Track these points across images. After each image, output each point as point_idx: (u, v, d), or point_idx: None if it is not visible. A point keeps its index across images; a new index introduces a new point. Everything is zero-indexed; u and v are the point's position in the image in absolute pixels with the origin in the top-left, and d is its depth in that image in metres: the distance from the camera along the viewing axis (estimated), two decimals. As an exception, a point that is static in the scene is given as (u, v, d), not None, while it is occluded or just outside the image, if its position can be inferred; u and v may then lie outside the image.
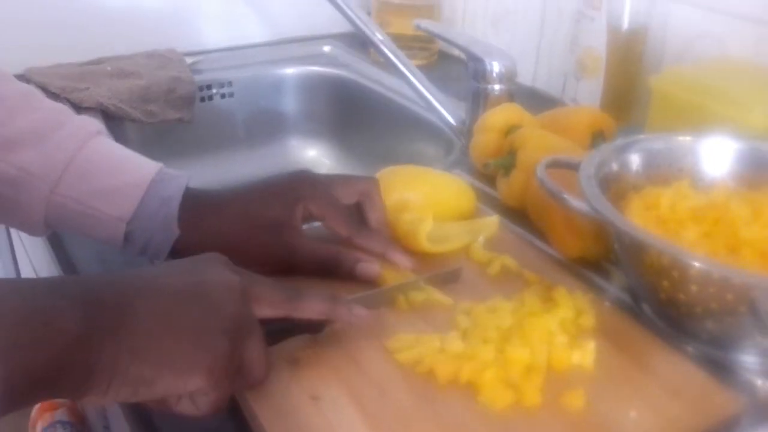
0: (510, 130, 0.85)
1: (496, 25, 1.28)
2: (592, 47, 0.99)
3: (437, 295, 0.63)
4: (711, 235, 0.61)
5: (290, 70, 1.33)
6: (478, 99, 0.97)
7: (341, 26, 1.41)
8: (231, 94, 1.28)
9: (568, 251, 0.72)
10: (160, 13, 1.29)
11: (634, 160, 0.70)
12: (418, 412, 0.52)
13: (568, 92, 1.06)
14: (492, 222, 0.74)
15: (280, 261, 0.65)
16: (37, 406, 0.92)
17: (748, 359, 0.59)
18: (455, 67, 1.31)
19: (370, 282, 0.65)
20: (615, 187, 0.67)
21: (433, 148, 1.11)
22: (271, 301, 0.53)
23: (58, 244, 0.76)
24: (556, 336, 0.58)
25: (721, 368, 0.58)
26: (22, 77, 1.11)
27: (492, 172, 0.86)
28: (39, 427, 0.79)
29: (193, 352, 0.47)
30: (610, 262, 0.72)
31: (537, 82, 1.21)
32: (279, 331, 0.56)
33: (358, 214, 0.70)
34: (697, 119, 0.79)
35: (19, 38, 1.17)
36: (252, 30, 1.39)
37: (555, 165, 0.68)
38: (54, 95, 1.05)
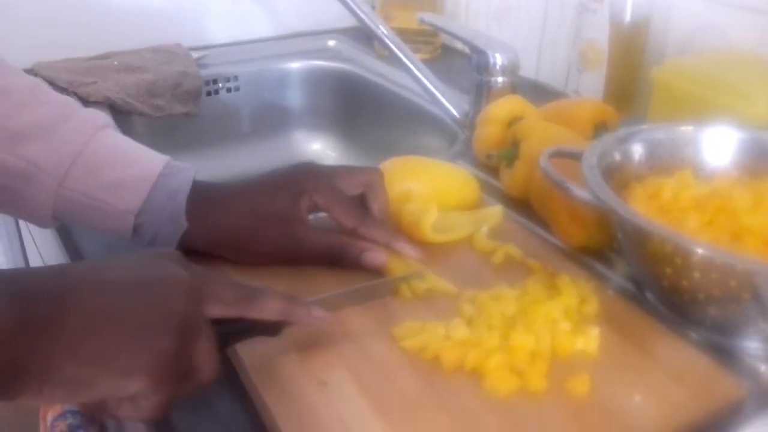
0: (513, 122, 0.85)
1: (499, 19, 1.28)
2: (594, 40, 0.99)
3: (442, 284, 0.64)
4: (713, 224, 0.61)
5: (295, 65, 1.33)
6: (481, 91, 0.97)
7: (346, 21, 1.42)
8: (237, 89, 1.28)
9: (571, 240, 0.72)
10: (166, 8, 1.30)
11: (637, 150, 0.70)
12: (424, 399, 0.53)
13: (571, 84, 1.06)
14: (496, 212, 0.74)
15: (286, 252, 0.66)
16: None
17: (751, 345, 0.60)
18: (458, 61, 1.32)
19: (376, 271, 0.66)
20: (617, 177, 0.67)
21: (436, 140, 1.11)
22: (224, 300, 0.50)
23: (66, 235, 0.76)
24: (560, 323, 0.58)
25: (724, 354, 0.59)
26: (30, 72, 1.12)
27: (495, 163, 0.86)
28: (49, 417, 0.80)
29: (134, 351, 0.44)
30: (612, 251, 0.72)
31: (540, 75, 1.21)
32: (235, 332, 0.53)
33: (361, 205, 0.70)
34: (699, 110, 0.79)
35: (26, 33, 1.18)
36: (257, 25, 1.40)
37: (558, 155, 0.69)
38: (62, 89, 1.06)
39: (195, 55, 1.26)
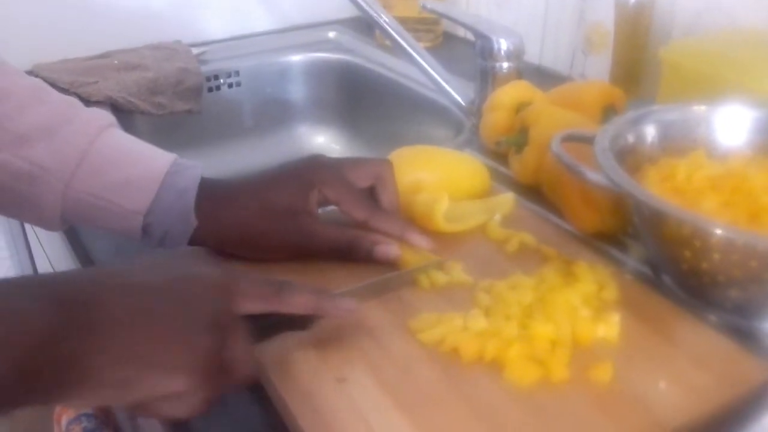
0: (520, 108, 0.85)
1: (500, 4, 1.27)
2: (599, 22, 0.98)
3: (458, 274, 0.63)
4: (730, 204, 0.60)
5: (296, 58, 1.33)
6: (486, 78, 0.96)
7: (346, 11, 1.41)
8: (238, 84, 1.28)
9: (585, 226, 0.71)
10: (165, 6, 1.29)
11: (650, 131, 0.69)
12: (444, 392, 0.52)
13: (577, 68, 1.05)
14: (508, 199, 0.73)
15: (297, 247, 0.65)
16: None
17: (772, 326, 0.59)
18: (460, 48, 1.31)
19: (388, 264, 0.65)
20: (630, 160, 0.66)
21: (442, 129, 1.10)
22: (253, 297, 0.51)
23: (74, 238, 0.76)
24: (580, 310, 0.57)
25: (746, 337, 0.58)
26: (31, 73, 1.11)
27: (504, 150, 0.85)
28: (64, 420, 0.79)
29: (175, 350, 0.45)
30: (626, 235, 0.71)
31: (544, 60, 1.20)
32: (268, 327, 0.54)
33: (371, 197, 0.70)
34: (710, 89, 0.78)
35: (24, 34, 1.17)
36: (257, 19, 1.39)
37: (570, 139, 0.68)
38: (63, 90, 1.05)
39: (195, 51, 1.26)
